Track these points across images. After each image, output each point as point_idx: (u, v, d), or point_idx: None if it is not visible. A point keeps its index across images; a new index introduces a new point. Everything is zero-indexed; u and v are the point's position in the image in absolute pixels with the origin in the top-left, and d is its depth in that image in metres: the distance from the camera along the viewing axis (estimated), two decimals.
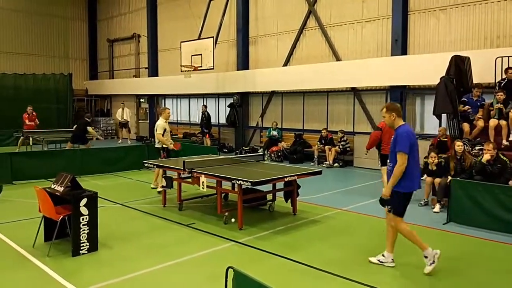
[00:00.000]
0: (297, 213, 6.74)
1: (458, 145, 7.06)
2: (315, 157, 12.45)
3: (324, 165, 11.84)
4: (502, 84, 8.21)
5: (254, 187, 5.88)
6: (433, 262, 4.41)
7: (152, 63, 19.79)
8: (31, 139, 13.22)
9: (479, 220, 6.06)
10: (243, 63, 15.43)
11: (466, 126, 8.15)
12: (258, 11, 15.17)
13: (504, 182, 6.44)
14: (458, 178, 6.58)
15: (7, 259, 4.75)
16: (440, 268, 4.60)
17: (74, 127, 12.83)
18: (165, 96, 19.83)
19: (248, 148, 14.74)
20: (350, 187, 9.17)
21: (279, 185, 6.72)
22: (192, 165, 6.56)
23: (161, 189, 7.61)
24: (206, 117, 15.45)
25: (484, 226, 5.99)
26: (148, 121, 20.50)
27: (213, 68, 14.15)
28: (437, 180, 7.12)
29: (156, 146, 8.48)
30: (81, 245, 4.82)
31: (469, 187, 6.23)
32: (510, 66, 8.38)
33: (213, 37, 14.46)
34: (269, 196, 7.03)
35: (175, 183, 7.08)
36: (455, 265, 4.74)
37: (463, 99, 8.30)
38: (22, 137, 13.78)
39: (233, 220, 6.08)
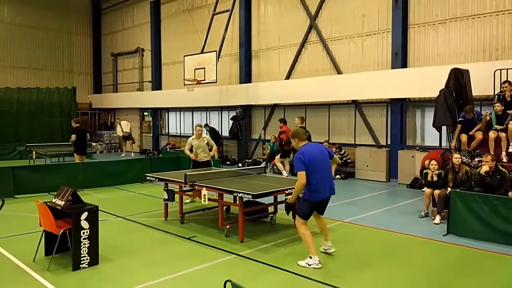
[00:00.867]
0: None
1: (456, 157, 7.09)
2: None
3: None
4: (501, 97, 8.24)
5: (256, 199, 5.90)
6: (311, 265, 4.86)
7: (156, 76, 20.03)
8: (34, 152, 13.29)
9: (479, 231, 6.05)
10: (246, 76, 15.60)
11: (464, 137, 8.16)
12: (261, 25, 15.40)
13: (503, 194, 6.45)
14: (457, 190, 6.59)
15: (7, 273, 4.76)
16: (440, 280, 4.60)
17: (74, 136, 11.98)
18: (168, 110, 20.00)
19: (250, 160, 14.77)
20: (351, 199, 9.15)
21: (281, 197, 6.73)
22: (193, 178, 6.59)
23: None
24: (210, 133, 15.46)
25: (483, 237, 5.97)
26: (151, 134, 20.65)
27: (216, 82, 14.30)
28: (437, 191, 7.12)
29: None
30: (82, 259, 4.83)
31: (468, 198, 6.23)
32: (507, 80, 8.43)
33: (216, 51, 14.65)
34: (271, 209, 7.04)
35: (176, 196, 7.11)
36: (455, 277, 4.71)
37: (460, 119, 8.30)
38: None
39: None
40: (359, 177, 11.92)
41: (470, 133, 8.17)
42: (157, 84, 20.03)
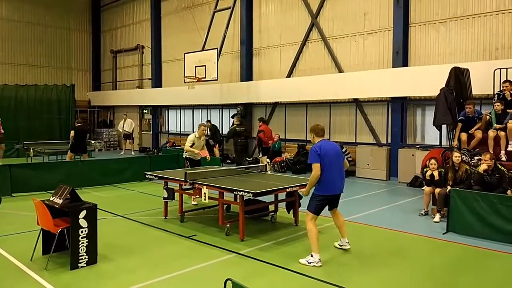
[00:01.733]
0: (299, 224, 6.71)
1: (456, 156, 7.08)
2: None
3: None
4: (501, 96, 8.22)
5: (256, 198, 5.86)
6: (311, 263, 4.90)
7: (156, 74, 19.96)
8: (31, 150, 13.20)
9: (478, 229, 6.06)
10: (247, 74, 15.54)
11: (464, 136, 8.14)
12: (262, 23, 15.34)
13: (502, 192, 6.46)
14: (457, 188, 6.58)
15: (4, 273, 4.72)
16: (441, 278, 4.59)
17: (73, 133, 11.86)
18: (168, 107, 19.94)
19: (251, 159, 14.73)
20: (352, 197, 9.13)
21: (281, 195, 6.71)
22: (194, 177, 6.55)
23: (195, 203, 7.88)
24: (212, 131, 15.46)
25: (482, 235, 5.98)
26: (151, 132, 20.59)
27: (216, 79, 14.24)
28: (437, 190, 7.11)
29: (183, 155, 8.91)
30: (80, 258, 4.78)
31: (467, 197, 6.23)
32: (508, 79, 8.39)
33: (217, 48, 14.58)
34: (271, 207, 7.00)
35: (176, 195, 7.07)
36: (455, 275, 4.70)
37: (460, 117, 8.28)
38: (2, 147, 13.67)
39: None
40: (359, 175, 11.88)
41: (470, 131, 8.15)
42: (157, 82, 19.96)
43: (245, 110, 15.63)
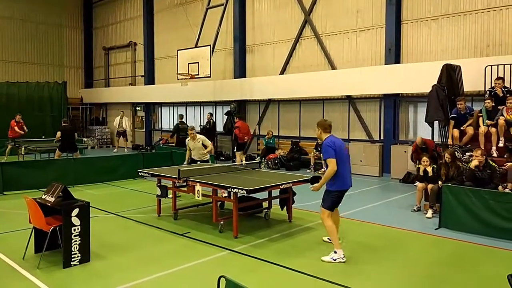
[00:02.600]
0: (292, 220, 6.75)
1: (447, 157, 7.18)
2: (312, 164, 12.47)
3: (320, 172, 11.85)
4: (492, 93, 8.31)
5: (250, 195, 5.87)
6: (335, 260, 4.92)
7: (149, 71, 19.84)
8: (23, 148, 13.06)
9: (470, 225, 6.13)
10: (240, 71, 15.51)
11: (456, 132, 8.22)
12: (255, 19, 15.30)
13: (493, 188, 6.53)
14: (449, 184, 6.65)
15: None
16: (431, 273, 4.65)
17: (59, 134, 12.01)
18: (161, 104, 19.84)
19: (245, 156, 14.73)
20: (345, 194, 9.17)
21: (275, 192, 6.72)
22: (187, 174, 6.54)
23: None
24: (211, 125, 15.44)
25: (474, 231, 6.05)
26: (144, 130, 20.48)
27: (210, 76, 14.19)
28: (430, 185, 7.18)
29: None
30: (73, 256, 4.76)
31: (459, 192, 6.30)
32: (501, 76, 8.48)
33: (210, 45, 14.52)
34: (265, 204, 7.02)
35: (169, 192, 7.05)
36: (446, 270, 4.76)
37: (453, 115, 8.35)
38: (9, 145, 13.60)
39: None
40: (352, 172, 11.71)
41: (461, 128, 8.23)
42: (150, 79, 19.84)
43: (239, 107, 15.61)
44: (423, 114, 9.29)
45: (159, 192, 7.01)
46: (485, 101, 8.13)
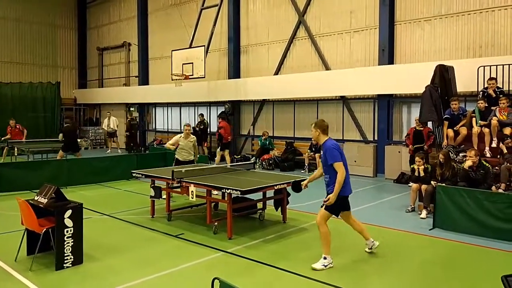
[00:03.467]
0: (287, 221, 6.75)
1: (441, 157, 7.22)
2: (306, 164, 12.49)
3: (314, 173, 11.86)
4: (485, 94, 8.37)
5: (244, 195, 5.86)
6: (326, 266, 4.75)
7: (143, 71, 19.75)
8: (16, 149, 12.97)
9: (464, 225, 6.15)
10: (235, 71, 15.50)
11: (450, 132, 8.28)
12: (249, 20, 15.30)
13: (487, 188, 6.56)
14: (443, 185, 6.68)
15: None
16: (426, 273, 4.67)
17: (61, 135, 12.73)
18: (155, 105, 19.76)
19: (239, 156, 14.73)
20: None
21: (270, 193, 6.72)
22: (181, 175, 6.51)
23: None
24: (205, 126, 15.45)
25: (468, 231, 6.07)
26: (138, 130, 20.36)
27: (204, 77, 14.18)
28: (424, 186, 7.20)
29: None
30: (65, 258, 4.72)
31: (453, 193, 6.32)
32: (494, 77, 8.55)
33: (204, 45, 14.51)
34: (260, 205, 7.01)
35: (163, 193, 7.02)
36: (440, 270, 4.78)
37: (446, 115, 8.41)
38: (6, 147, 13.53)
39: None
40: None
41: (455, 128, 8.29)
42: (144, 79, 19.76)
43: (233, 108, 15.60)
44: (417, 115, 9.36)
45: (153, 193, 6.98)
46: (478, 102, 8.20)
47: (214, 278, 2.79)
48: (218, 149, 13.00)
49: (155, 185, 7.04)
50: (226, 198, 5.92)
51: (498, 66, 8.79)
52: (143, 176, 7.40)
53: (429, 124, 9.42)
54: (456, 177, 6.99)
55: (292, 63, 14.03)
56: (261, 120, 15.18)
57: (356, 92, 12.21)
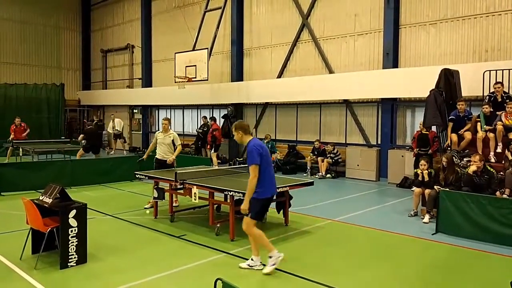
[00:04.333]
0: (289, 224, 6.73)
1: (444, 161, 7.20)
2: (308, 168, 12.47)
3: (316, 176, 11.86)
4: (492, 98, 8.34)
5: None
6: (274, 264, 4.65)
7: (146, 73, 19.83)
8: (20, 149, 13.05)
9: (467, 230, 6.11)
10: (238, 74, 15.53)
11: (454, 137, 8.25)
12: (253, 23, 15.35)
13: (491, 193, 6.54)
14: (446, 189, 6.64)
15: None
16: (428, 278, 4.64)
17: (81, 136, 13.29)
18: (158, 107, 19.82)
19: (242, 159, 14.73)
20: (341, 198, 9.19)
21: None
22: (184, 177, 6.53)
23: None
24: (208, 128, 15.43)
25: (471, 236, 6.03)
26: (141, 132, 20.44)
27: (207, 79, 14.21)
28: (427, 190, 7.17)
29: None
30: (70, 257, 4.74)
31: (457, 198, 6.29)
32: (500, 81, 8.53)
33: (207, 48, 14.56)
34: None
35: (166, 194, 7.04)
36: (442, 275, 4.75)
37: (451, 117, 8.40)
38: (11, 147, 13.62)
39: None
40: (349, 176, 11.94)
41: (459, 132, 8.26)
42: (147, 81, 19.83)
43: (236, 111, 15.63)
44: (421, 119, 9.34)
45: (156, 195, 7.00)
46: (483, 107, 8.16)
47: (217, 279, 2.80)
48: (212, 151, 13.28)
49: (158, 186, 7.06)
50: (228, 200, 5.93)
51: (504, 71, 8.76)
52: (146, 178, 7.42)
53: (434, 128, 9.41)
54: (459, 182, 6.95)
55: (295, 66, 14.05)
56: (264, 123, 15.19)
57: (359, 96, 12.20)
